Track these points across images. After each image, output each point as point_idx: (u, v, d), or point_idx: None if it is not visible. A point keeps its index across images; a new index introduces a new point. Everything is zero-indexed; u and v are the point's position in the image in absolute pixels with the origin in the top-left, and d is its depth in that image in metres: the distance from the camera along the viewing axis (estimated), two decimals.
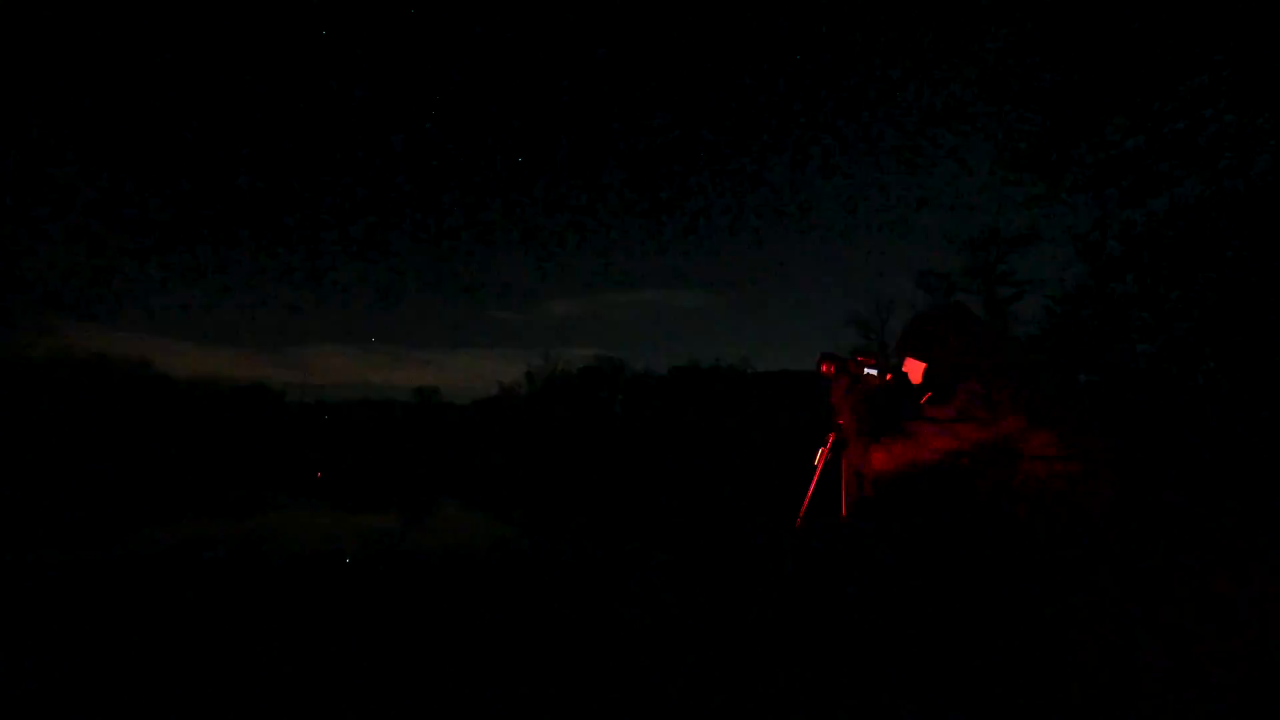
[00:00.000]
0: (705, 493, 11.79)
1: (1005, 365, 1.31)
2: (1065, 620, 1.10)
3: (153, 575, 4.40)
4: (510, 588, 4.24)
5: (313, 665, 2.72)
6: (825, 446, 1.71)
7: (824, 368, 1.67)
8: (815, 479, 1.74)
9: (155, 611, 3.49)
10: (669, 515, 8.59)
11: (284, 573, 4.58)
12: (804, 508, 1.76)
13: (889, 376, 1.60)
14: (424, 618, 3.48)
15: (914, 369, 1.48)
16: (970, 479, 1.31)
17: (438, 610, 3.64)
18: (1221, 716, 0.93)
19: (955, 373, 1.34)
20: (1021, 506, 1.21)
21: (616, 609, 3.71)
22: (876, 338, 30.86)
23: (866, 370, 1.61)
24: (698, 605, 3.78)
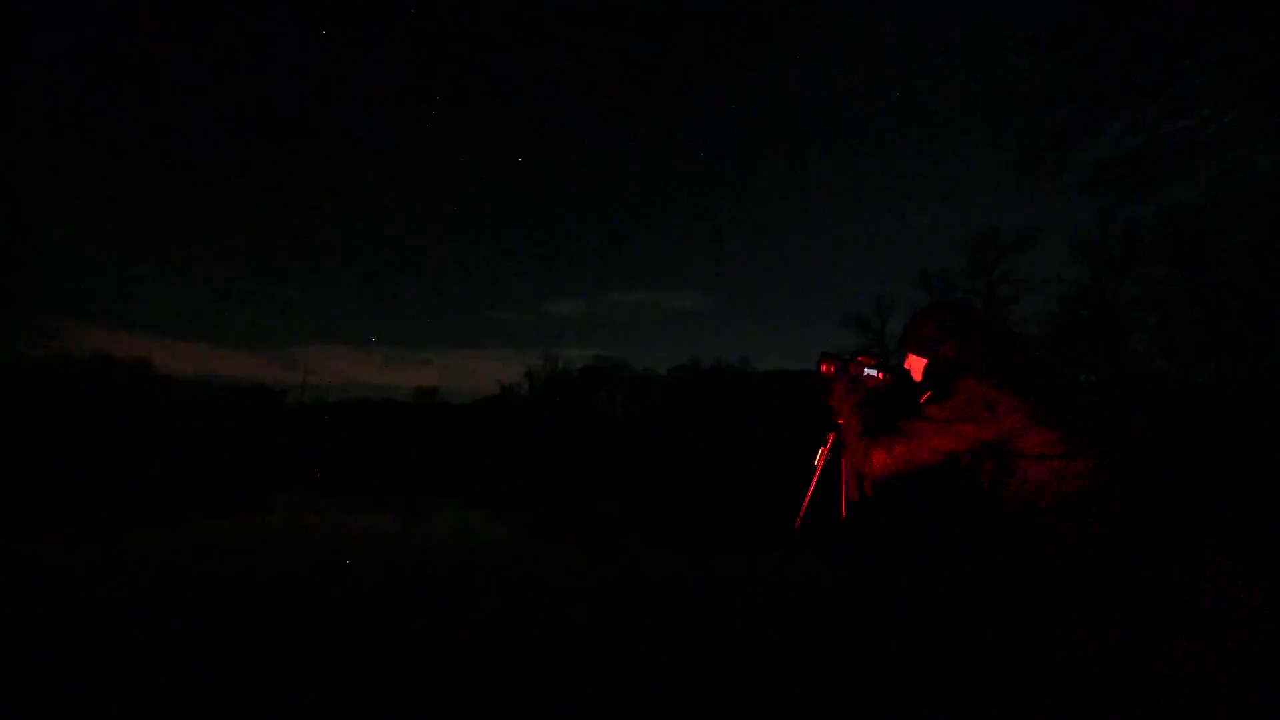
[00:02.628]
0: (705, 493, 11.78)
1: (1006, 363, 1.30)
2: (1064, 620, 1.10)
3: (152, 575, 4.40)
4: (510, 588, 4.24)
5: (312, 666, 2.72)
6: (825, 446, 1.71)
7: (824, 368, 1.67)
8: (815, 479, 1.73)
9: (155, 611, 3.49)
10: (669, 515, 8.58)
11: (284, 573, 4.58)
12: (804, 508, 1.76)
13: (886, 376, 1.60)
14: (424, 618, 3.47)
15: (915, 366, 1.48)
16: (969, 479, 1.30)
17: (438, 611, 3.64)
18: (1225, 718, 0.93)
19: (956, 370, 1.33)
20: (1020, 506, 1.21)
21: (616, 609, 3.71)
22: (876, 338, 30.86)
23: (866, 370, 1.61)
24: (697, 606, 3.78)
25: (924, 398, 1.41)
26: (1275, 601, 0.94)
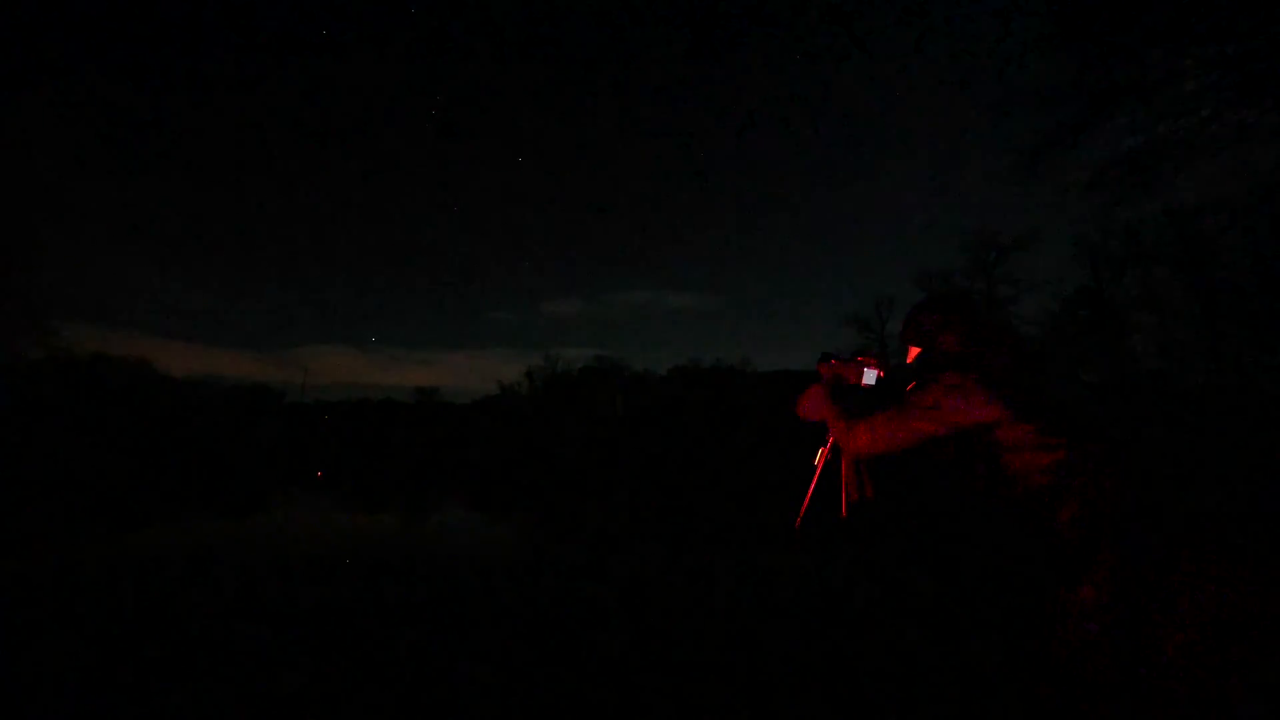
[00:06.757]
0: (705, 493, 11.78)
1: (993, 358, 1.34)
2: (1048, 612, 1.11)
3: (153, 575, 4.40)
4: (510, 589, 4.24)
5: (312, 666, 2.72)
6: (825, 446, 1.71)
7: (820, 368, 1.69)
8: (815, 479, 1.74)
9: (155, 611, 3.49)
10: (669, 515, 8.58)
11: (283, 573, 4.58)
12: (804, 508, 1.76)
13: (884, 375, 1.62)
14: (424, 619, 3.47)
15: (911, 354, 1.54)
16: (952, 470, 1.35)
17: (437, 612, 3.64)
18: (1216, 716, 0.93)
19: (943, 362, 1.39)
20: (1002, 498, 1.23)
21: (616, 610, 3.71)
22: (876, 338, 30.89)
23: (867, 370, 1.62)
24: (698, 606, 3.78)
25: (910, 386, 1.46)
26: (1267, 602, 0.95)
